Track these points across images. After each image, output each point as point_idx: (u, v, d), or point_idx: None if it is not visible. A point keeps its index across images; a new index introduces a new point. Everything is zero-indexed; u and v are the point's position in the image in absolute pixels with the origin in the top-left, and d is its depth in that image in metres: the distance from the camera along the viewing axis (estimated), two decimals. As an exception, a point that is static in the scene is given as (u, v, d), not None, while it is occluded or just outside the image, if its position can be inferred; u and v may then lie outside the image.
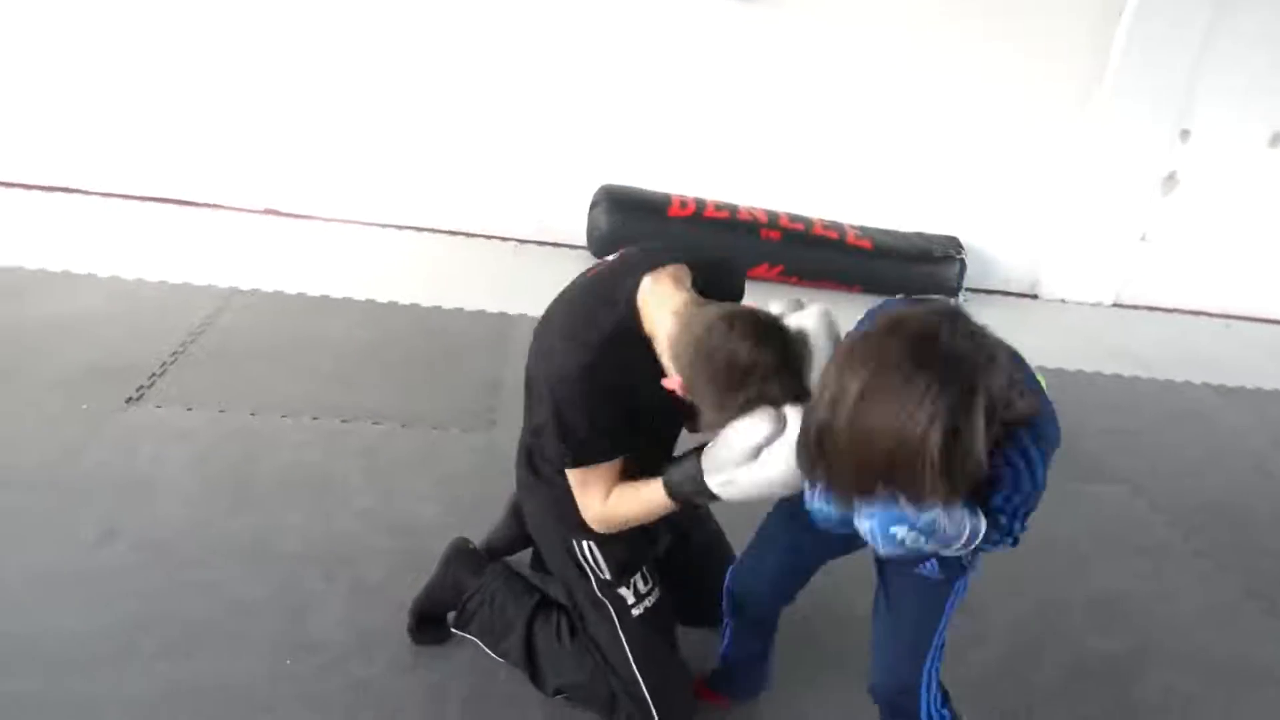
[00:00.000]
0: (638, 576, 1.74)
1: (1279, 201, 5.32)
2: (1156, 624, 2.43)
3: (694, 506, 1.64)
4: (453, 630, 1.97)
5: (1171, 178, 5.20)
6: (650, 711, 1.71)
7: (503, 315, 3.79)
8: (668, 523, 1.72)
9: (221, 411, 2.74)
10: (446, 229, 4.79)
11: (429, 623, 1.96)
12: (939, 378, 1.04)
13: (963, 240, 4.93)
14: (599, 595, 1.73)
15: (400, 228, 4.74)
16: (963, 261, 4.85)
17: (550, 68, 4.59)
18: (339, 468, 2.55)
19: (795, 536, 1.64)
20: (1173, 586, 2.62)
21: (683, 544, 1.94)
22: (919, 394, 1.03)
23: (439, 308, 3.79)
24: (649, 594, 1.75)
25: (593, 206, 4.61)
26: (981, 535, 1.29)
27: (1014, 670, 2.18)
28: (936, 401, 1.03)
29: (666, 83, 4.67)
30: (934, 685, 1.55)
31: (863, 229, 4.80)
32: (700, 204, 4.60)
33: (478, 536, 2.14)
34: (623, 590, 1.73)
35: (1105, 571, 2.64)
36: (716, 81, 4.68)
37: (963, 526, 1.26)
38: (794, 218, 4.66)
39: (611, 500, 1.59)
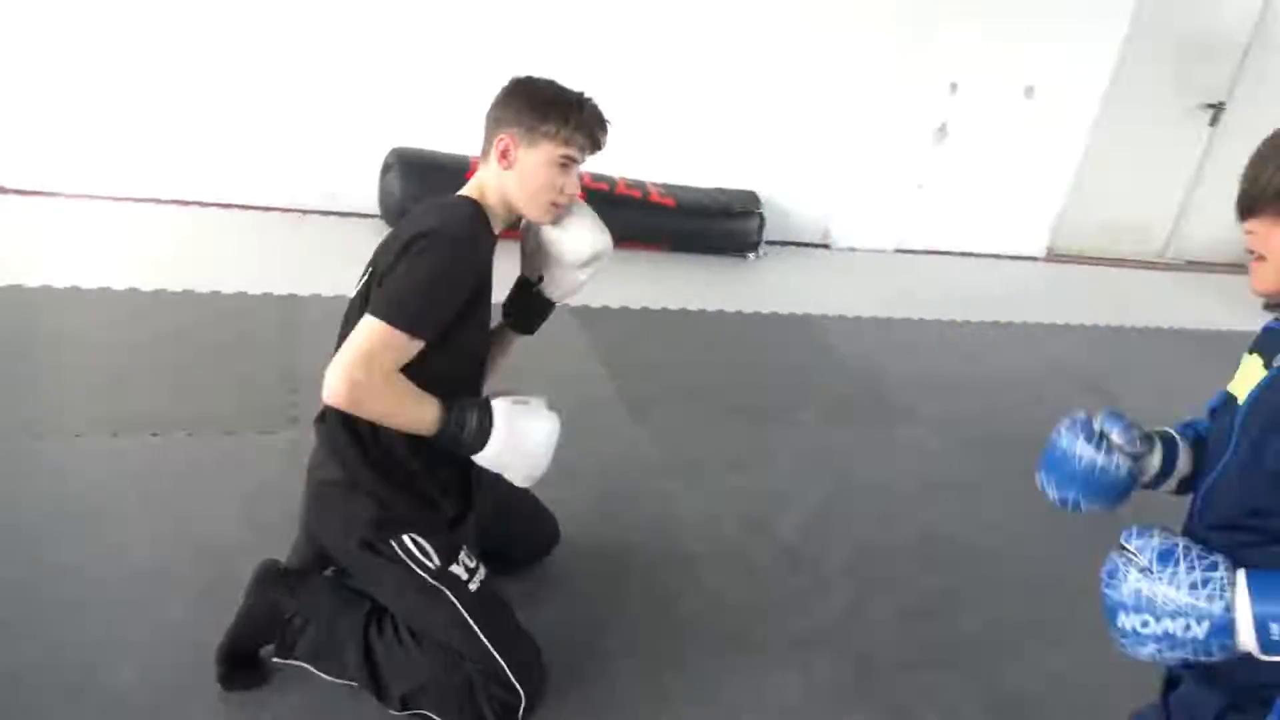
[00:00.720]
0: (464, 554, 1.73)
1: (1034, 148, 5.79)
2: (975, 556, 2.57)
3: (453, 447, 1.62)
4: (275, 662, 1.75)
5: (943, 129, 5.53)
6: (511, 682, 1.67)
7: (292, 297, 3.46)
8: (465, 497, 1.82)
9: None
10: (215, 201, 4.31)
11: (242, 664, 1.73)
12: None
13: (759, 194, 5.02)
14: (432, 583, 1.67)
15: (160, 202, 4.21)
16: (761, 216, 4.94)
17: (329, 20, 4.19)
18: (114, 492, 2.22)
19: None
20: (984, 519, 2.78)
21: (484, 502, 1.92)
22: None
23: (217, 293, 3.40)
24: (478, 568, 1.73)
25: (384, 171, 4.30)
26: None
27: (854, 616, 2.23)
28: None
29: (457, 37, 4.39)
30: None
31: (665, 187, 4.78)
32: (499, 166, 4.39)
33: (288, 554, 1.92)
34: (455, 569, 1.70)
35: (925, 511, 2.77)
36: (510, 36, 4.46)
37: (1194, 598, 0.97)
38: (597, 177, 4.55)
39: (394, 382, 1.54)
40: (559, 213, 1.74)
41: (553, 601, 2.09)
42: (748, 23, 4.85)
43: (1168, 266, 6.59)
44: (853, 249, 5.61)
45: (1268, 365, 1.12)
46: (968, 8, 5.18)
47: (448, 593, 1.67)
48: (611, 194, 4.51)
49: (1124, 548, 1.02)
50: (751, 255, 5.00)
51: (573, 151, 1.67)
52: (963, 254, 5.93)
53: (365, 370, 1.50)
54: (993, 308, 4.85)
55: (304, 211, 4.45)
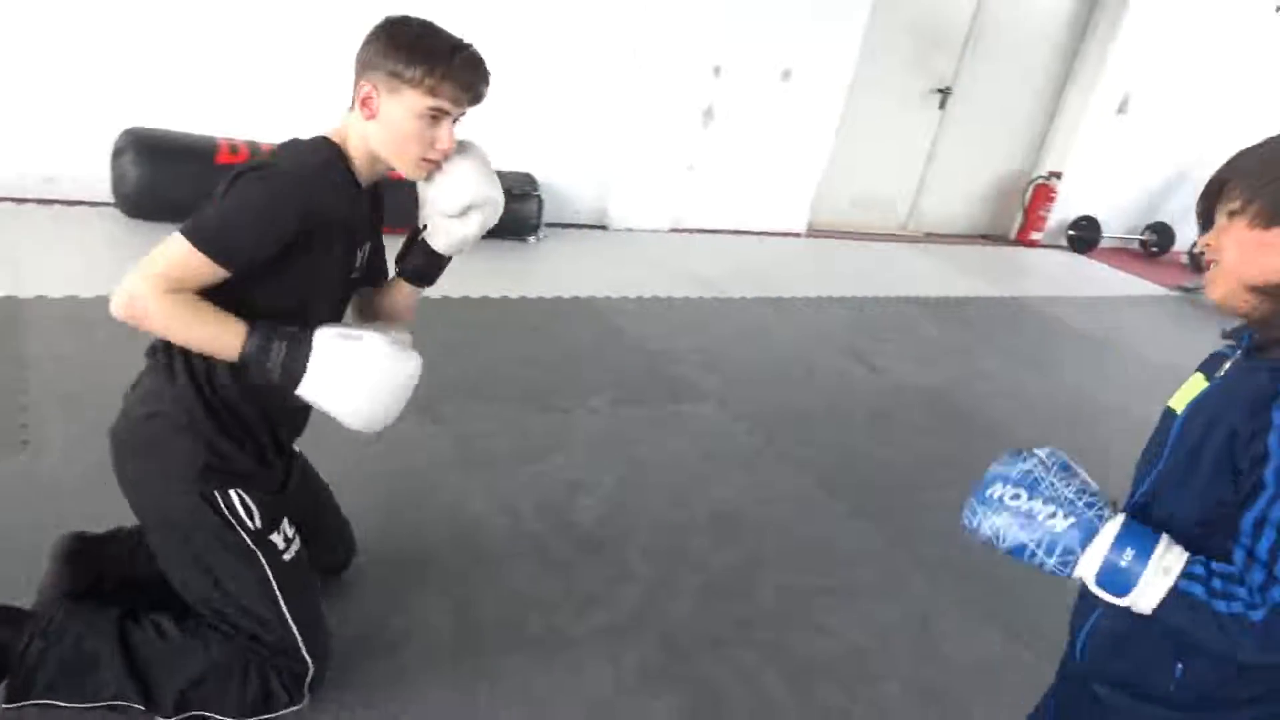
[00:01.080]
0: (285, 524, 1.69)
1: (792, 129, 6.11)
2: (762, 529, 2.68)
3: (259, 377, 1.49)
4: (4, 709, 1.53)
5: (709, 111, 5.71)
6: (300, 652, 1.64)
7: (10, 299, 3.01)
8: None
9: None
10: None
11: None
12: None
13: (536, 177, 4.97)
14: (250, 545, 1.61)
15: None
16: (540, 198, 4.89)
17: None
18: None
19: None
20: (767, 491, 2.91)
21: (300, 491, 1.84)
22: None
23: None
24: (295, 539, 1.70)
25: (117, 155, 3.84)
26: (1085, 546, 1.00)
27: (657, 599, 2.26)
28: None
29: (198, 6, 3.98)
30: None
31: (438, 169, 4.60)
32: (254, 147, 4.05)
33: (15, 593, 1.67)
34: (274, 537, 1.65)
35: (715, 485, 2.85)
36: (254, 7, 4.10)
37: (1075, 500, 1.02)
38: None
39: (183, 300, 1.43)
40: (431, 168, 1.60)
41: (346, 614, 1.96)
42: (517, 4, 4.75)
43: (910, 238, 7.21)
44: (630, 229, 5.68)
45: (1209, 380, 1.14)
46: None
47: (261, 558, 1.61)
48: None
49: (1035, 452, 1.08)
50: (532, 238, 4.94)
51: (442, 103, 1.51)
52: (733, 232, 6.17)
53: (151, 284, 1.41)
54: (764, 283, 5.09)
55: (18, 200, 3.89)
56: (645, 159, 5.57)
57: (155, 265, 1.42)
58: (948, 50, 6.77)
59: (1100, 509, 1.01)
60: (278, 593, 1.62)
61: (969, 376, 4.30)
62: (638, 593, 2.28)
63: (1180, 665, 1.07)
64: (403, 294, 1.81)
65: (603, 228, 5.60)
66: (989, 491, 1.06)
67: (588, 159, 5.36)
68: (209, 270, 1.44)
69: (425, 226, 1.71)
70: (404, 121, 1.51)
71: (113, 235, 3.80)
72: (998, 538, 1.03)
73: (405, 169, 1.58)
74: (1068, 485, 1.03)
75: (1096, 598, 1.06)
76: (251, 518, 1.62)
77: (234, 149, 4.00)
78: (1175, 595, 0.95)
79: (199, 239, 1.42)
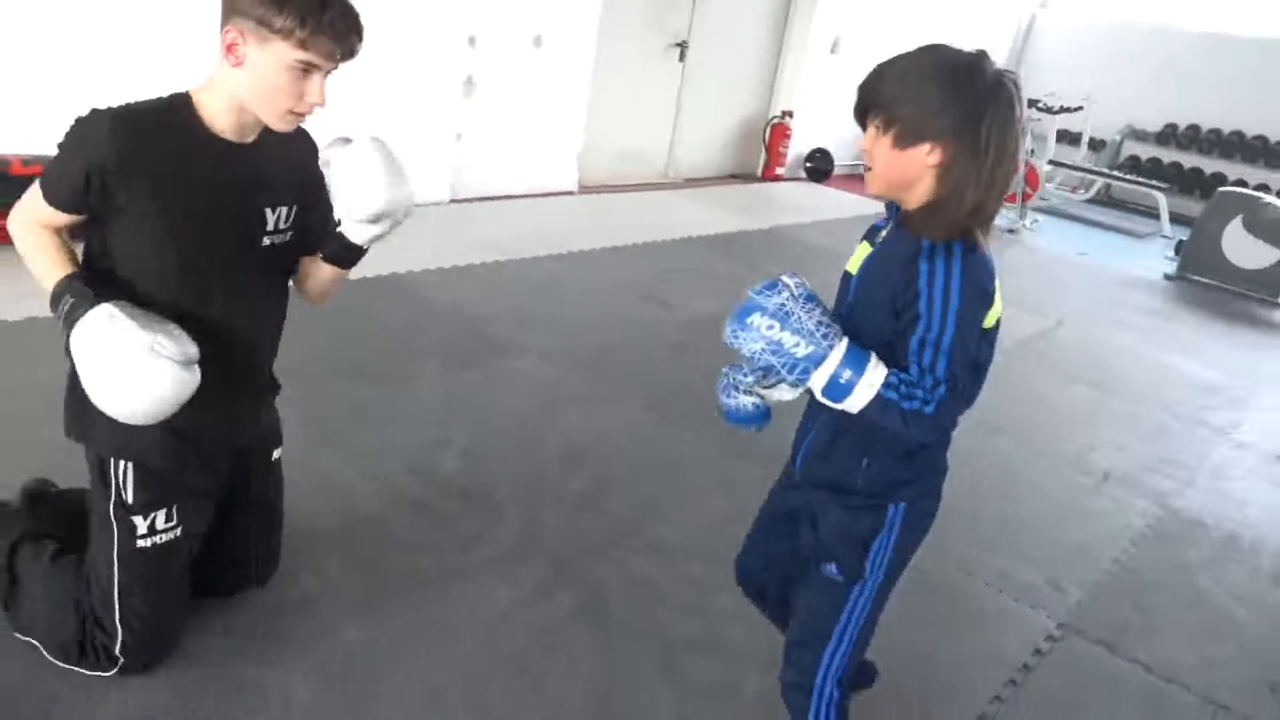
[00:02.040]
0: (162, 513, 1.70)
1: (550, 93, 6.37)
2: (607, 456, 3.01)
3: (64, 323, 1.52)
4: None
5: (469, 80, 5.85)
6: (115, 626, 1.70)
7: None
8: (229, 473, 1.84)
9: None
10: None
11: None
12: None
13: (312, 162, 4.93)
14: (110, 516, 1.67)
15: None
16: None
17: None
18: None
19: (765, 510, 1.74)
20: (603, 423, 3.24)
21: (237, 506, 1.91)
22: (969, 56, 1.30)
23: None
24: (166, 532, 1.71)
25: None
26: (818, 362, 1.29)
27: (530, 532, 2.53)
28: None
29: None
30: (829, 693, 1.55)
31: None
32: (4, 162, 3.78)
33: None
34: (136, 519, 1.68)
35: (556, 427, 3.14)
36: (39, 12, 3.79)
37: (815, 331, 1.28)
38: None
39: (34, 234, 1.57)
40: (298, 121, 1.58)
41: (245, 610, 2.07)
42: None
43: (672, 185, 7.73)
44: (416, 204, 5.73)
45: (873, 246, 1.47)
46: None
47: (115, 531, 1.68)
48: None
49: (783, 279, 1.36)
50: (316, 224, 4.91)
51: (313, 57, 1.47)
52: (509, 197, 6.37)
53: (17, 214, 1.59)
54: (549, 241, 5.36)
55: None
56: (415, 132, 5.63)
57: (23, 198, 1.58)
58: (680, 6, 7.27)
59: (831, 338, 1.31)
60: (115, 569, 1.68)
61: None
62: (513, 526, 2.53)
63: (865, 460, 1.46)
64: (324, 273, 1.83)
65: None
66: (749, 320, 1.29)
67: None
68: (44, 208, 1.55)
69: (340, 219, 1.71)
70: (273, 74, 1.47)
71: None
72: (753, 357, 1.32)
73: (272, 121, 1.56)
74: (810, 317, 1.31)
75: (813, 419, 1.49)
76: (124, 491, 1.66)
77: (25, 163, 3.73)
78: (877, 399, 1.30)
79: (41, 177, 1.55)
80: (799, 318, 1.29)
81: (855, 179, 9.48)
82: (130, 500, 1.67)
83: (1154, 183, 9.05)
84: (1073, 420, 4.01)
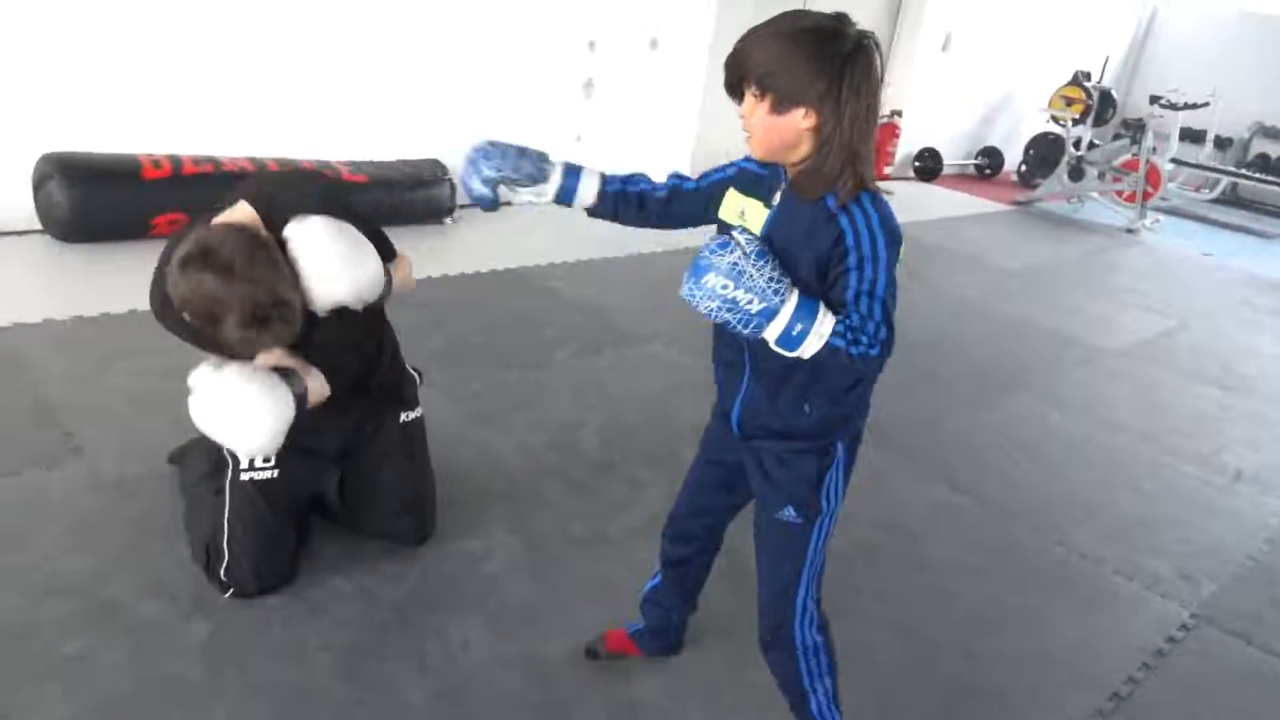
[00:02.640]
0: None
1: (664, 94, 6.54)
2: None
3: None
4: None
5: (589, 84, 6.06)
6: (222, 554, 2.02)
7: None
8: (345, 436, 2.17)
9: None
10: None
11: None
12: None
13: (445, 162, 5.21)
14: (224, 452, 2.01)
15: None
16: (451, 182, 5.14)
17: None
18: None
19: (700, 472, 1.88)
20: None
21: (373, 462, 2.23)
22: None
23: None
24: (264, 471, 2.04)
25: (43, 182, 3.87)
26: (771, 303, 1.37)
27: (668, 503, 2.67)
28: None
29: (106, 24, 4.02)
30: (808, 612, 1.68)
31: (354, 164, 4.79)
32: (176, 161, 4.14)
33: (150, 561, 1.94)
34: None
35: (686, 407, 3.28)
36: (166, 20, 4.17)
37: (767, 288, 1.36)
38: (282, 162, 4.46)
39: None
40: None
41: (444, 549, 2.29)
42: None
43: (780, 185, 7.80)
44: (531, 203, 5.96)
45: (768, 205, 1.50)
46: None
47: (228, 468, 2.05)
48: (180, 174, 4.19)
49: (734, 236, 1.43)
50: (448, 220, 5.19)
51: None
52: (623, 195, 6.56)
53: None
54: (665, 239, 5.50)
55: (-57, 237, 3.87)
56: (537, 134, 5.86)
57: None
58: (790, 8, 7.34)
59: (783, 293, 1.39)
60: (227, 493, 2.04)
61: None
62: (653, 498, 2.68)
63: (807, 406, 1.56)
64: None
65: (507, 204, 5.85)
66: (704, 280, 1.36)
67: (484, 139, 5.61)
68: None
69: None
70: None
71: (50, 260, 3.85)
72: (710, 313, 1.41)
73: None
74: (762, 274, 1.38)
75: (738, 379, 1.60)
76: None
77: (156, 164, 4.09)
78: (826, 346, 1.39)
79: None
80: (751, 275, 1.36)
81: (965, 178, 9.37)
82: None
83: (1285, 181, 8.68)
84: (1201, 420, 3.94)
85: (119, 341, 3.12)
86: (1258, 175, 8.94)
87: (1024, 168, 9.43)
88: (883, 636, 2.24)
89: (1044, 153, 9.10)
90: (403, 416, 2.29)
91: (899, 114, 8.32)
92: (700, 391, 3.46)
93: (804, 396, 1.55)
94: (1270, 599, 2.66)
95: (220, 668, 1.83)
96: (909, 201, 7.87)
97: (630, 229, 1.72)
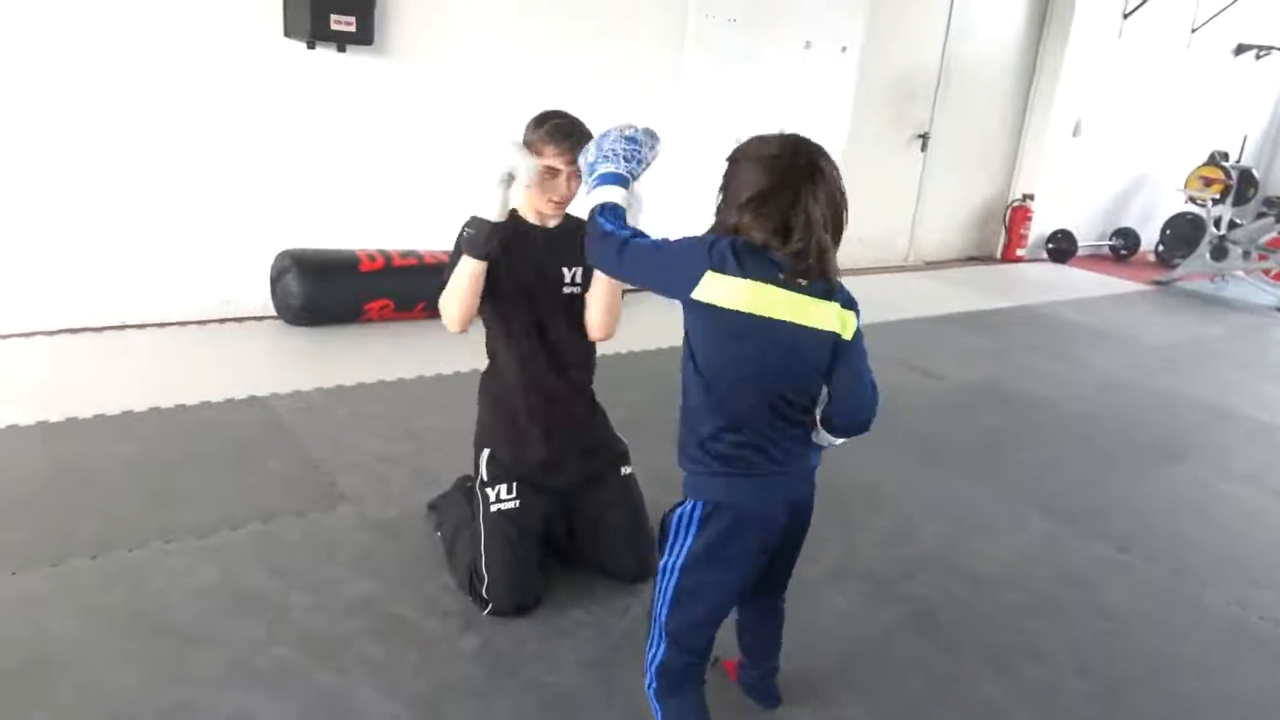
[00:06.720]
0: (503, 486, 2.43)
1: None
2: (895, 497, 3.36)
3: (486, 253, 2.31)
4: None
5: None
6: (483, 577, 2.37)
7: (252, 399, 3.64)
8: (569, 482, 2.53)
9: (53, 566, 2.42)
10: (108, 324, 4.31)
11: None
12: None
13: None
14: (478, 489, 2.47)
15: (49, 333, 4.16)
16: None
17: (192, 133, 4.35)
18: (246, 582, 2.45)
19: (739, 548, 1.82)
20: (890, 471, 3.59)
21: (597, 509, 2.57)
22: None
23: (181, 406, 3.52)
24: (508, 501, 2.42)
25: (281, 274, 4.51)
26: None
27: (848, 555, 2.92)
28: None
29: (324, 141, 4.70)
30: (658, 648, 1.84)
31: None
32: (387, 256, 4.74)
33: (422, 587, 2.33)
34: (489, 490, 2.43)
35: (852, 476, 3.53)
36: (362, 132, 4.82)
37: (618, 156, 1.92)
38: (405, 253, 4.88)
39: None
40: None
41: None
42: (563, 70, 5.51)
43: (913, 268, 8.05)
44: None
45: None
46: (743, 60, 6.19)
47: (480, 501, 2.44)
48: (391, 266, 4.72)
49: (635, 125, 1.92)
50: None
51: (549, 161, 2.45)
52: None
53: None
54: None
55: (201, 322, 4.53)
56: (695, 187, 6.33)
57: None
58: (922, 101, 7.71)
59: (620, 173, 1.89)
60: (481, 525, 2.41)
61: (1010, 370, 5.06)
62: (834, 550, 2.93)
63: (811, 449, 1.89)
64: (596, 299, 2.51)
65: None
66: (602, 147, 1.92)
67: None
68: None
69: None
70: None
71: (284, 342, 4.45)
72: (598, 147, 1.92)
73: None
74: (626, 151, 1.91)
75: (799, 448, 1.83)
76: (482, 472, 2.46)
77: (371, 258, 4.69)
78: (595, 208, 1.87)
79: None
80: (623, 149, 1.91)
81: (1100, 259, 9.38)
82: (485, 477, 2.46)
83: None
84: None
85: (356, 408, 3.61)
86: None
87: (1161, 248, 9.38)
88: (1066, 679, 2.40)
89: (1183, 233, 9.06)
90: (622, 470, 2.64)
91: (1030, 197, 8.49)
92: (864, 461, 3.67)
93: (808, 442, 1.86)
94: None
95: (495, 673, 2.18)
96: (1044, 281, 7.97)
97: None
